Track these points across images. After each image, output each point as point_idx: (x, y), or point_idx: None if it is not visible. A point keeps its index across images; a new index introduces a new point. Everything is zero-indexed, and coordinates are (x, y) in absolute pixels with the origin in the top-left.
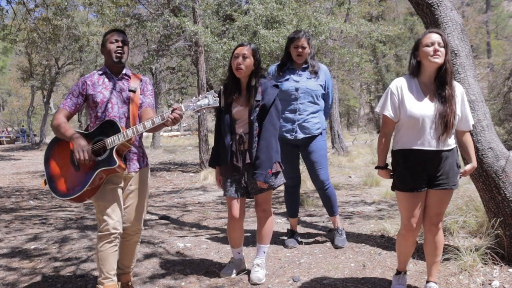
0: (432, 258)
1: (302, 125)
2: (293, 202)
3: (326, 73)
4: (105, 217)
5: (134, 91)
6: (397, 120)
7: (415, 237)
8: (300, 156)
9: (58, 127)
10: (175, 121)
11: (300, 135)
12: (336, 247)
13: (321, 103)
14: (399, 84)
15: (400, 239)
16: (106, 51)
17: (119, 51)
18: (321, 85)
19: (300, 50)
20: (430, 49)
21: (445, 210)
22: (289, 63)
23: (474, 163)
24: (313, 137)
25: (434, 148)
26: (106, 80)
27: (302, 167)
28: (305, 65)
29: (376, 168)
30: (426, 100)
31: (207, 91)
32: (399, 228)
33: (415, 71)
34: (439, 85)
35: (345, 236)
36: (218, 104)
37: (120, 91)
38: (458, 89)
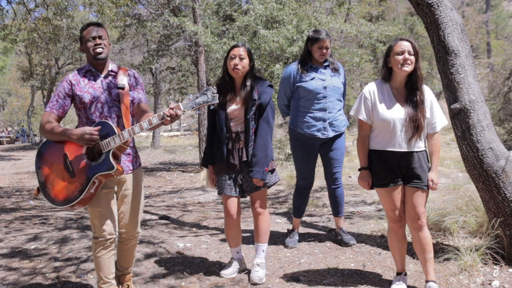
0: (423, 255)
1: (332, 123)
2: (302, 203)
3: (343, 70)
4: (100, 223)
5: (123, 88)
6: (371, 122)
7: (403, 230)
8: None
9: (52, 132)
10: (172, 118)
11: (331, 133)
12: (348, 245)
13: (343, 99)
14: (372, 89)
15: (390, 234)
16: (85, 49)
17: (98, 48)
18: (342, 82)
19: (324, 51)
20: (400, 58)
21: (423, 207)
22: (310, 62)
23: (434, 171)
24: (339, 135)
25: (405, 150)
26: (91, 78)
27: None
28: (326, 63)
29: (359, 170)
30: (397, 104)
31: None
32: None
33: (386, 77)
34: (410, 90)
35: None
36: (218, 101)
37: (109, 89)
38: (428, 94)
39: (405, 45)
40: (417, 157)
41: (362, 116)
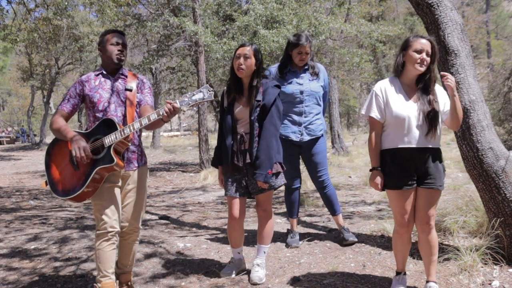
0: (428, 257)
1: (308, 127)
2: (293, 202)
3: (324, 73)
4: (102, 216)
5: (130, 90)
6: (383, 121)
7: (409, 233)
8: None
9: (58, 130)
10: (170, 114)
11: (306, 137)
12: (352, 243)
13: (321, 103)
14: (383, 86)
15: (396, 236)
16: (106, 51)
17: (120, 55)
18: (321, 86)
19: (303, 56)
20: (417, 57)
21: (435, 209)
22: (289, 65)
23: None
24: (317, 139)
25: (421, 146)
26: (102, 80)
27: (302, 167)
28: (305, 67)
29: (370, 170)
30: (410, 100)
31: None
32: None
33: (399, 70)
34: (422, 89)
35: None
36: (213, 98)
37: (117, 91)
38: (442, 95)
39: (425, 44)
40: (431, 155)
41: (374, 113)
